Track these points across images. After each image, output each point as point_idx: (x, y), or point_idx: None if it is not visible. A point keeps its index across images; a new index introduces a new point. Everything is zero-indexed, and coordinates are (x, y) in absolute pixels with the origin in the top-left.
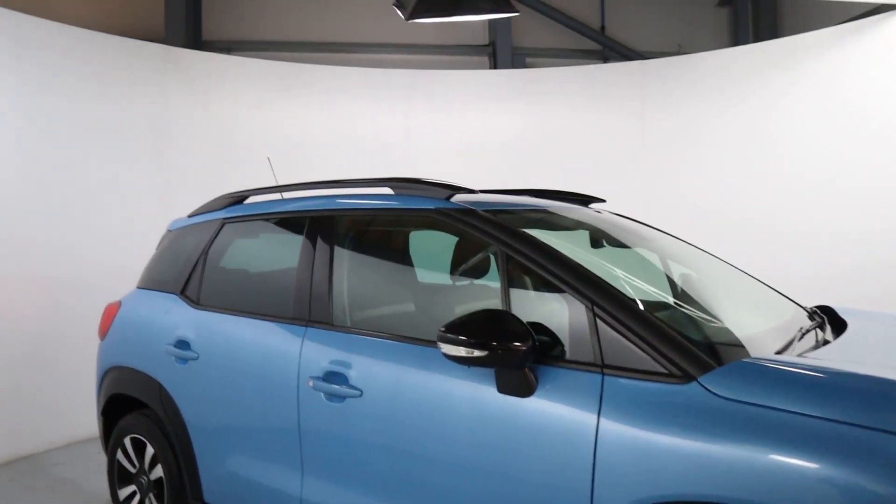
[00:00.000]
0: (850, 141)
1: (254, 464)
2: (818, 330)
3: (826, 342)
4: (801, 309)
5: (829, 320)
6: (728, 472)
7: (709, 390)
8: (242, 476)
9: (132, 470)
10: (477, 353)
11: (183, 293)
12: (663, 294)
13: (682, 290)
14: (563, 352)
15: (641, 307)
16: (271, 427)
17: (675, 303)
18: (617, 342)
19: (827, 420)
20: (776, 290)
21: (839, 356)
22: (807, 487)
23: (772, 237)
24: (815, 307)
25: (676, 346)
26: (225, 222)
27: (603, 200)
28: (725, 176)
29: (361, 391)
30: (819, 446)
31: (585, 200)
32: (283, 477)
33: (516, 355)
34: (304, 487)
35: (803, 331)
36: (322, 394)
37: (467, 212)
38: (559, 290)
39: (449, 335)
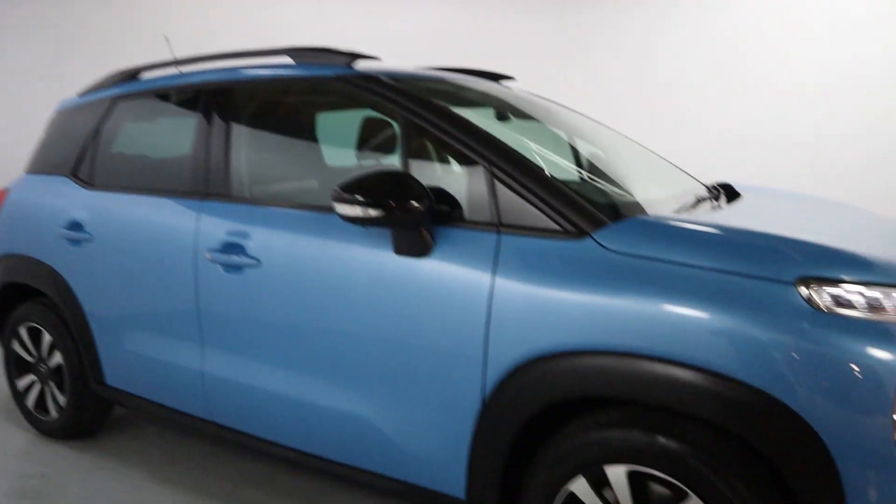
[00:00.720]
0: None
1: (154, 342)
2: (713, 200)
3: (719, 208)
4: (701, 184)
5: (725, 193)
6: (618, 322)
7: (601, 245)
8: (143, 355)
9: (30, 359)
10: (372, 212)
11: (74, 175)
12: (564, 161)
13: (586, 161)
14: (462, 213)
15: (538, 167)
16: (170, 303)
17: (577, 171)
18: (513, 201)
19: (713, 270)
20: (679, 168)
21: (728, 217)
22: (694, 335)
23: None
24: (716, 183)
25: (571, 202)
26: (117, 99)
27: (512, 78)
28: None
29: (259, 260)
30: (706, 296)
31: (495, 77)
32: (183, 352)
33: (413, 215)
34: (205, 361)
35: (699, 198)
36: (220, 265)
37: (369, 78)
38: (458, 154)
39: (345, 195)
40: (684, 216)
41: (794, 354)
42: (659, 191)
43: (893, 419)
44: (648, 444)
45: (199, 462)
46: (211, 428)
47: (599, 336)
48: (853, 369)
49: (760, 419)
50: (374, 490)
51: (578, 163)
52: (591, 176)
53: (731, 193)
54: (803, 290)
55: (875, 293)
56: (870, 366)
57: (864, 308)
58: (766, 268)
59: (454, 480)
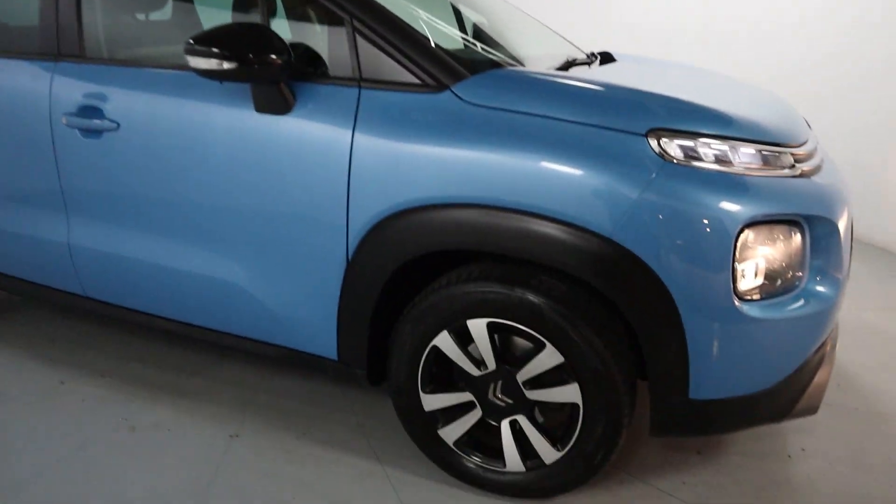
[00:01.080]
0: None
1: (18, 216)
2: (588, 64)
3: (588, 69)
4: (583, 52)
5: (602, 59)
6: (475, 175)
7: (460, 98)
8: (8, 232)
9: None
10: (227, 65)
11: None
12: (437, 20)
13: (469, 25)
14: (324, 69)
15: (399, 20)
16: (28, 173)
17: (449, 30)
18: (374, 55)
19: (568, 122)
20: (565, 39)
21: (592, 75)
22: (547, 186)
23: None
24: (595, 52)
25: (430, 55)
26: None
27: None
28: None
29: (118, 124)
30: (560, 147)
31: None
32: (49, 226)
33: (271, 69)
34: (70, 232)
35: (571, 60)
36: (77, 130)
37: None
38: (320, 7)
39: (198, 47)
40: (543, 70)
41: (643, 205)
42: (532, 52)
43: (734, 270)
44: (507, 297)
45: (81, 340)
46: (88, 304)
47: (456, 189)
48: (697, 220)
49: (609, 268)
50: (256, 358)
51: (460, 27)
52: (463, 36)
53: (607, 59)
54: (654, 142)
55: (723, 146)
56: (714, 217)
57: (712, 161)
58: (618, 119)
59: (326, 342)
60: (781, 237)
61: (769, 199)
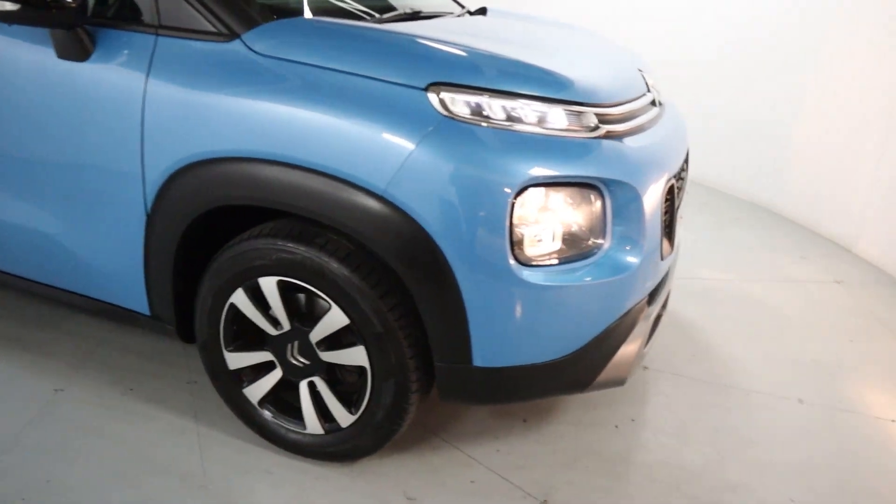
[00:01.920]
0: None
1: None
2: (435, 18)
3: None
4: (463, 8)
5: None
6: (259, 129)
7: (248, 47)
8: None
9: None
10: (9, 5)
11: None
12: None
13: None
14: (126, 15)
15: None
16: None
17: None
18: (174, 1)
19: (352, 75)
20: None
21: (418, 27)
22: (328, 141)
23: None
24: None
25: (221, 1)
26: None
27: None
28: None
29: None
30: (342, 101)
31: None
32: None
33: (64, 12)
34: None
35: (415, 12)
36: None
37: None
38: None
39: None
40: (340, 20)
41: (416, 162)
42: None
43: (512, 233)
44: (292, 256)
45: None
46: None
47: (246, 143)
48: (470, 179)
49: (381, 228)
50: (83, 311)
51: None
52: None
53: (479, 13)
54: (434, 96)
55: (512, 103)
56: (489, 177)
57: (498, 118)
58: (400, 73)
59: (138, 297)
60: (577, 201)
61: (558, 160)
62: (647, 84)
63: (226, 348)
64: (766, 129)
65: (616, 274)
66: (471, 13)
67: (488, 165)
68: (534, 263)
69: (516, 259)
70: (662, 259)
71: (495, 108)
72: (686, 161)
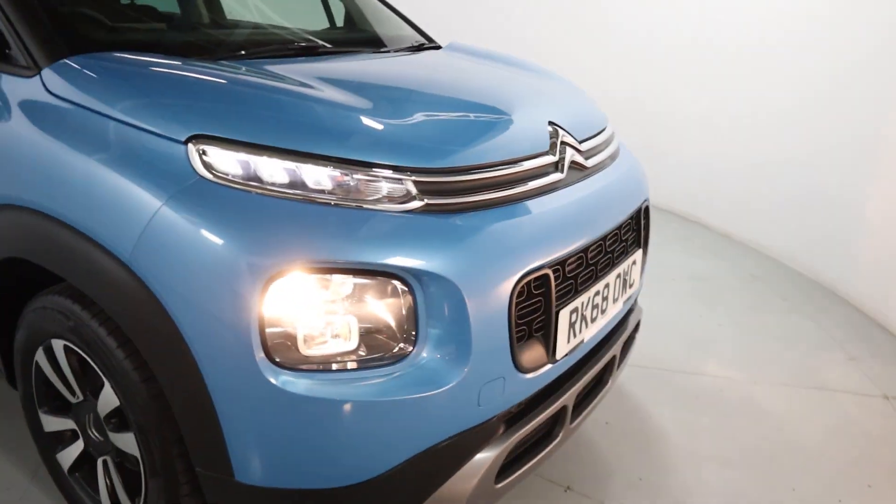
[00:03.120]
0: None
1: None
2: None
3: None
4: (426, 41)
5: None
6: (31, 175)
7: (44, 84)
8: None
9: None
10: None
11: None
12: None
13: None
14: None
15: None
16: None
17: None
18: None
19: (121, 122)
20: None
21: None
22: (82, 195)
23: None
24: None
25: (32, 31)
26: None
27: None
28: None
29: None
30: (106, 152)
31: None
32: None
33: None
34: None
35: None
36: None
37: None
38: None
39: None
40: (157, 60)
41: (160, 226)
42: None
43: (259, 325)
44: (69, 320)
45: None
46: None
47: (22, 189)
48: (218, 253)
49: (124, 303)
50: None
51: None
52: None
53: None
54: (194, 150)
55: (295, 165)
56: (237, 254)
57: (277, 182)
58: (162, 122)
59: None
60: (377, 293)
61: (338, 239)
62: (559, 143)
63: (39, 408)
64: (834, 193)
65: (424, 390)
66: (417, 48)
67: (239, 239)
68: (299, 368)
69: (273, 359)
70: (532, 371)
71: (274, 169)
72: (628, 232)
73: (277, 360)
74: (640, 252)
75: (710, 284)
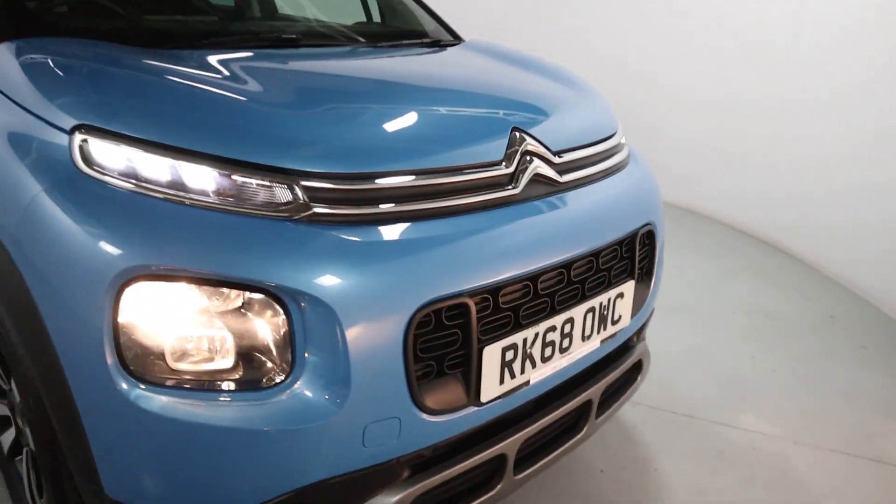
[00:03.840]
0: None
1: None
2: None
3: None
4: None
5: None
6: None
7: None
8: None
9: None
10: None
11: None
12: None
13: None
14: None
15: None
16: None
17: None
18: None
19: (18, 106)
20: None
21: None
22: None
23: None
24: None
25: None
26: None
27: None
28: None
29: None
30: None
31: None
32: None
33: None
34: None
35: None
36: None
37: None
38: None
39: None
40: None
41: (29, 216)
42: None
43: (112, 333)
44: None
45: None
46: None
47: None
48: (74, 253)
49: (2, 281)
50: None
51: None
52: None
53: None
54: (77, 140)
55: (179, 163)
56: (93, 257)
57: (157, 180)
58: (50, 109)
59: None
60: (250, 310)
61: (203, 246)
62: (519, 153)
63: None
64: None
65: (293, 423)
66: (429, 45)
67: (98, 238)
68: (172, 383)
69: (129, 369)
70: (444, 414)
71: (151, 166)
72: (613, 260)
73: (134, 369)
74: (630, 284)
75: (778, 322)
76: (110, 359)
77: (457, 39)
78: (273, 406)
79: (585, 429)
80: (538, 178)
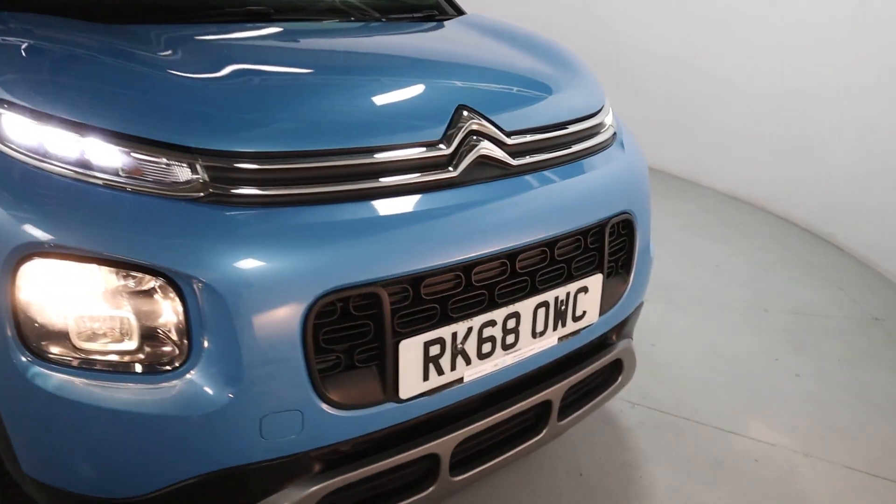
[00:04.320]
0: None
1: None
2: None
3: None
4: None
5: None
6: None
7: None
8: None
9: None
10: None
11: None
12: None
13: None
14: None
15: None
16: None
17: None
18: None
19: None
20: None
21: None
22: None
23: None
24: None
25: None
26: None
27: None
28: None
29: None
30: None
31: None
32: None
33: None
34: None
35: None
36: None
37: None
38: None
39: None
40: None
41: None
42: None
43: (12, 310)
44: None
45: None
46: None
47: None
48: None
49: None
50: None
51: None
52: None
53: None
54: None
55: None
56: None
57: (62, 156)
58: None
59: None
60: (147, 292)
61: (87, 225)
62: (461, 132)
63: None
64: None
65: (184, 410)
66: (421, 19)
67: None
68: (75, 362)
69: (31, 349)
70: (356, 409)
71: (50, 140)
72: (575, 251)
73: (34, 346)
74: (597, 278)
75: (813, 323)
76: (10, 332)
77: (457, 13)
78: (166, 391)
79: (545, 431)
80: (485, 161)
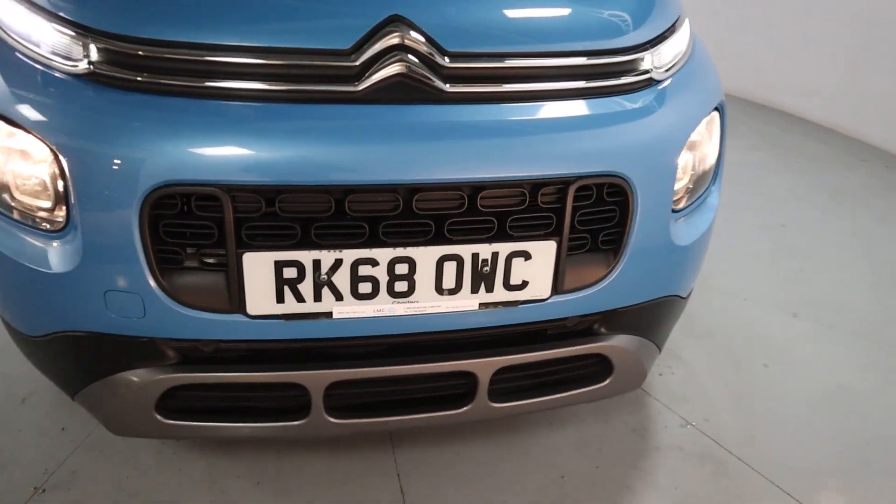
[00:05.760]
0: None
1: None
2: None
3: None
4: None
5: None
6: None
7: None
8: None
9: None
10: None
11: None
12: None
13: None
14: None
15: None
16: None
17: None
18: None
19: None
20: None
21: None
22: None
23: None
24: None
25: None
26: None
27: None
28: None
29: None
30: None
31: None
32: None
33: None
34: None
35: None
36: None
37: None
38: None
39: None
40: None
41: None
42: None
43: None
44: None
45: None
46: None
47: None
48: None
49: None
50: None
51: None
52: None
53: None
54: None
55: None
56: None
57: None
58: None
59: None
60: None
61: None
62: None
63: None
64: None
65: (46, 265)
66: None
67: None
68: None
69: None
70: (199, 310)
71: None
72: (519, 207)
73: None
74: (549, 245)
75: None
76: None
77: None
78: (28, 245)
79: (469, 406)
80: (409, 82)
